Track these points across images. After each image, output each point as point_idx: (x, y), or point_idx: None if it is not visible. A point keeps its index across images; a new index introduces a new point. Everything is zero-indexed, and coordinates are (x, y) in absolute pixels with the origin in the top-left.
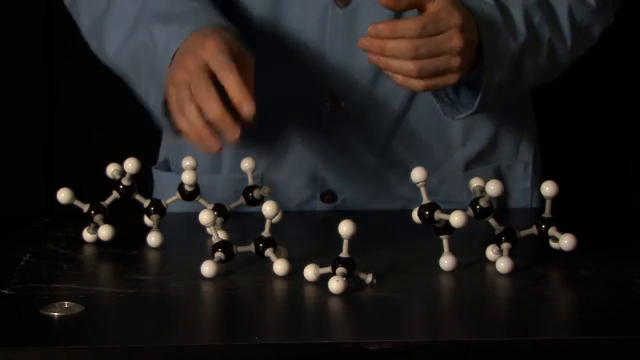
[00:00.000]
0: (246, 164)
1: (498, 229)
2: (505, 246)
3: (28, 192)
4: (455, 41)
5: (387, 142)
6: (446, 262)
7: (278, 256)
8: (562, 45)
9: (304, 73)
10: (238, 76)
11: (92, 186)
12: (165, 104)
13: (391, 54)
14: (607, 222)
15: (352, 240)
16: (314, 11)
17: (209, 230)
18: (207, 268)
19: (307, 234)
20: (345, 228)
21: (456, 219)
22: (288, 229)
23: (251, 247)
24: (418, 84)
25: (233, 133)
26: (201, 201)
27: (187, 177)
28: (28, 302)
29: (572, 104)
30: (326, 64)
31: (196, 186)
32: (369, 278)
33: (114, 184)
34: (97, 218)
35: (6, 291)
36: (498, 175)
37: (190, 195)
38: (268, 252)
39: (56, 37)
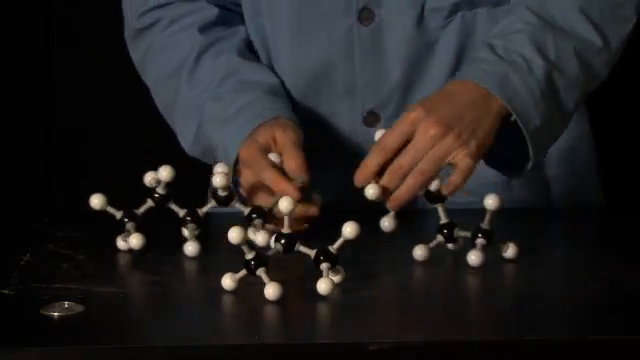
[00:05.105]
0: (217, 179)
1: (443, 219)
2: (450, 245)
3: (27, 192)
4: (432, 130)
5: None
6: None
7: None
8: (590, 45)
9: (336, 92)
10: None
11: (91, 186)
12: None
13: (388, 186)
14: (607, 222)
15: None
16: (340, 33)
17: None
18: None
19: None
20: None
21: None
22: None
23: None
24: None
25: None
26: (237, 205)
27: (218, 180)
28: (28, 302)
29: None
30: (358, 81)
31: (229, 190)
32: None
33: (149, 192)
34: (129, 226)
35: (6, 291)
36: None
37: (225, 200)
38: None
39: (55, 37)
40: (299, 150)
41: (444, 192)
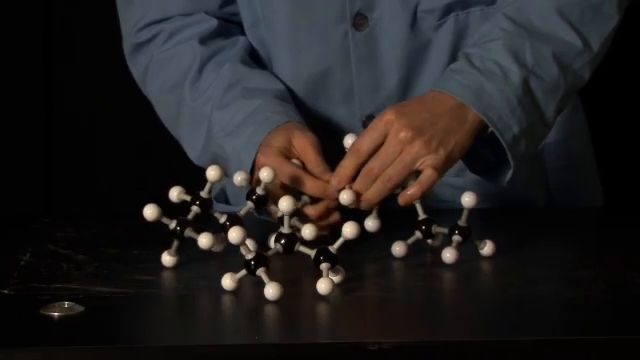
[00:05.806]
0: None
1: (421, 215)
2: (430, 241)
3: (27, 192)
4: (402, 133)
5: None
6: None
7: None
8: (570, 48)
9: (335, 98)
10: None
11: (90, 186)
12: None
13: (360, 189)
14: (606, 221)
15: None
16: (334, 40)
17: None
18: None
19: None
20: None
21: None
22: None
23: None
24: (412, 193)
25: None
26: (273, 208)
27: (265, 174)
28: (28, 302)
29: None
30: (355, 86)
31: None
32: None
33: (192, 198)
34: (188, 231)
35: (6, 291)
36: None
37: (261, 200)
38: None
39: (55, 37)
40: (320, 155)
41: (399, 201)
